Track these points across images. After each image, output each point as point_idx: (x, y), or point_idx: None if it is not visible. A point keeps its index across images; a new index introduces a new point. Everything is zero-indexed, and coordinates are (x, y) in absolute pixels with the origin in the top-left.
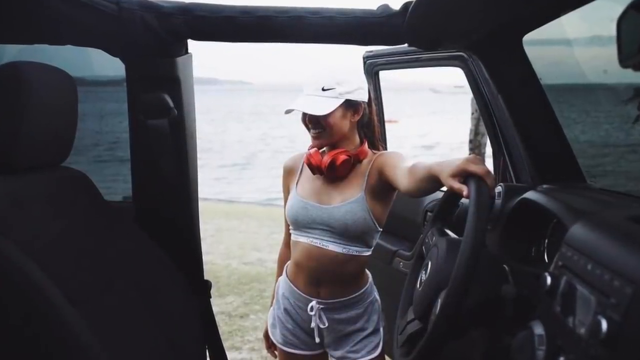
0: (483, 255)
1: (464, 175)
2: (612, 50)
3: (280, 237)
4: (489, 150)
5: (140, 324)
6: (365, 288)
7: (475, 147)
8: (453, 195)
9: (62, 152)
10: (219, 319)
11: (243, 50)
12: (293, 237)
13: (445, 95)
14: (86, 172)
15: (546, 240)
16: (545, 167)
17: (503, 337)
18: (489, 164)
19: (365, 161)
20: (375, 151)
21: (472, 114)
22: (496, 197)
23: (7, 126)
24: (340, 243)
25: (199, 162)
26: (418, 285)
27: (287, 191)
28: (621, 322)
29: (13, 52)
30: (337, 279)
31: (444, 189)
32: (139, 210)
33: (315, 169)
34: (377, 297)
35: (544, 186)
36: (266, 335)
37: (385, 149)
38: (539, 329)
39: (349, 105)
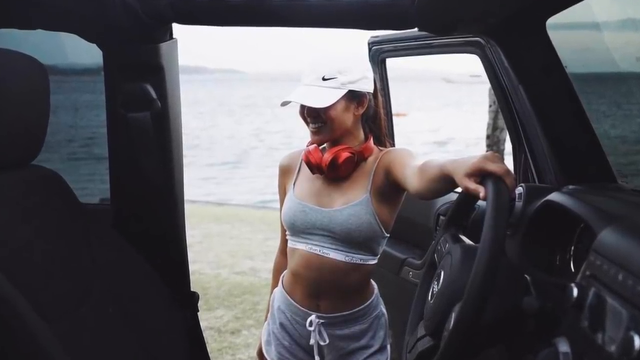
0: (502, 264)
1: (480, 175)
2: None
3: (276, 243)
4: (508, 146)
5: (119, 340)
6: (370, 301)
7: (494, 143)
8: (468, 197)
9: (32, 149)
10: (207, 335)
11: (234, 36)
12: (290, 244)
13: (460, 86)
14: (59, 172)
15: (572, 248)
16: (572, 166)
17: (524, 355)
18: (509, 162)
19: (370, 159)
20: (381, 148)
21: (490, 106)
22: (517, 199)
23: None
24: (342, 250)
25: (185, 160)
26: (429, 298)
27: (283, 192)
28: None
29: None
30: (339, 290)
31: (459, 190)
32: (117, 214)
33: (314, 167)
34: (384, 310)
35: (570, 187)
36: (260, 353)
37: (393, 145)
38: (564, 346)
39: (353, 97)
